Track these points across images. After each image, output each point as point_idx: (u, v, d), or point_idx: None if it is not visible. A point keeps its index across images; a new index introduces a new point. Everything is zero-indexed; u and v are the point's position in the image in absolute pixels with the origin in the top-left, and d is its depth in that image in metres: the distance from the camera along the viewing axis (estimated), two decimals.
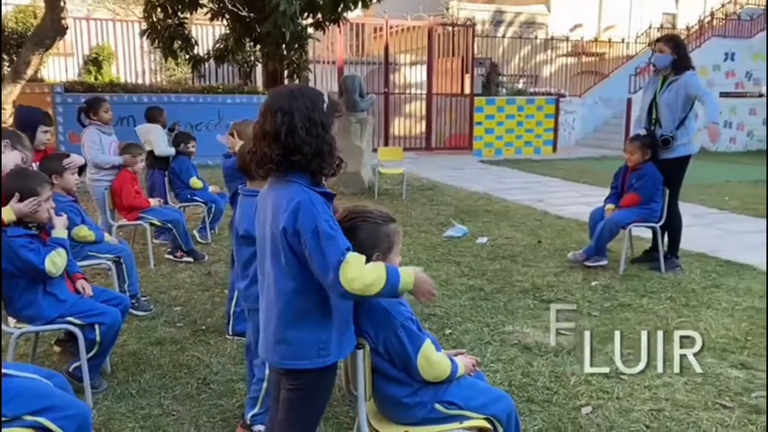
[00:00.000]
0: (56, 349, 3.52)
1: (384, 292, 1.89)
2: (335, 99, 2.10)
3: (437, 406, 2.14)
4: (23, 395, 2.17)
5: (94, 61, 14.20)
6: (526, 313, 4.48)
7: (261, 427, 2.89)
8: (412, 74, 16.67)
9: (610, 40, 19.98)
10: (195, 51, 9.45)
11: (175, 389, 3.37)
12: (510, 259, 5.85)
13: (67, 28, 8.70)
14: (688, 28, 18.29)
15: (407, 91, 16.24)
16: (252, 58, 14.20)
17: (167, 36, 9.03)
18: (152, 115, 6.66)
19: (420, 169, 12.00)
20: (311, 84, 14.90)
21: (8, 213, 3.01)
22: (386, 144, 14.77)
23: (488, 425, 2.18)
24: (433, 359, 2.11)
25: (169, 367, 3.62)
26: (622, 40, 19.67)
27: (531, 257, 5.92)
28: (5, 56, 13.17)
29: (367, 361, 2.07)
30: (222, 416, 3.10)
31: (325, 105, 2.00)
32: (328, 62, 15.23)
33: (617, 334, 4.03)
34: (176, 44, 9.09)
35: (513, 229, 7.13)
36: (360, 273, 1.85)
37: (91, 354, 3.18)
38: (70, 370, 3.24)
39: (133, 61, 14.64)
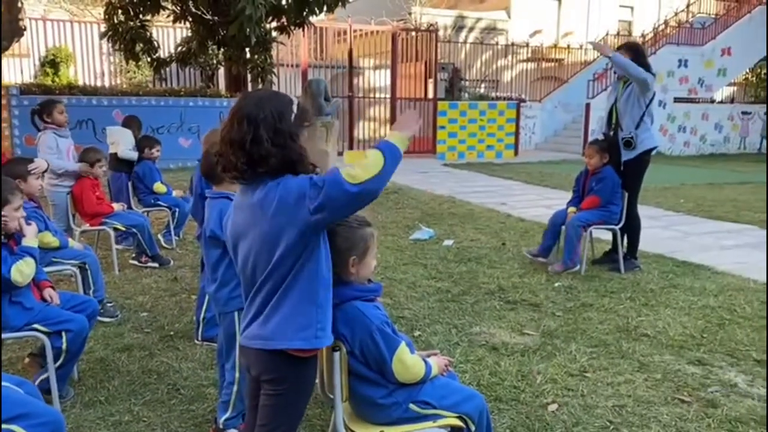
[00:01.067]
0: (26, 360, 3.45)
1: (388, 164, 1.92)
2: (305, 107, 2.11)
3: (412, 406, 2.19)
4: None
5: (51, 63, 13.88)
6: (492, 314, 4.57)
7: (234, 431, 2.91)
8: (375, 78, 16.76)
9: (568, 47, 20.43)
10: (157, 54, 9.32)
11: (144, 395, 3.34)
12: (476, 261, 5.96)
13: (24, 29, 8.52)
14: (643, 36, 18.82)
15: (371, 95, 16.31)
16: (214, 62, 14.07)
17: (129, 38, 8.90)
18: (129, 122, 6.63)
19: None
20: (275, 88, 14.85)
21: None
22: (351, 147, 14.80)
23: (461, 423, 2.24)
24: (408, 362, 2.16)
25: (138, 374, 3.59)
26: (580, 47, 20.13)
27: (496, 259, 6.03)
28: None
29: (343, 363, 2.11)
30: (194, 421, 3.09)
31: (293, 114, 1.99)
32: (292, 66, 15.20)
33: (581, 332, 4.20)
34: (138, 47, 8.96)
35: (477, 232, 7.25)
36: (358, 164, 1.88)
37: (58, 363, 3.13)
38: (37, 382, 3.18)
39: (92, 63, 14.35)
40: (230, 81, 13.83)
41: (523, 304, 4.79)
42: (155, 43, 9.27)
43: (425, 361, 2.25)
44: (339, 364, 2.10)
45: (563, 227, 5.68)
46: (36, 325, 3.11)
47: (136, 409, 3.20)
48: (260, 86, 13.49)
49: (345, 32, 15.66)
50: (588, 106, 16.91)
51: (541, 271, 5.59)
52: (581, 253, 5.56)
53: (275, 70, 10.78)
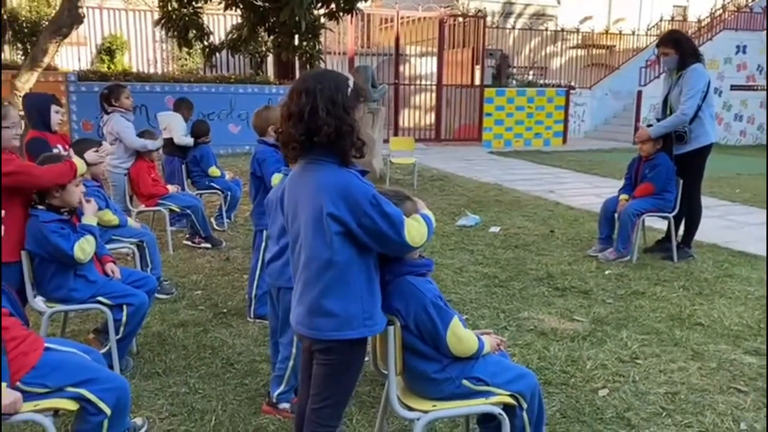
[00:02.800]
0: (90, 336, 3.60)
1: (429, 236, 2.12)
2: (360, 84, 2.16)
3: (465, 381, 2.21)
4: (65, 368, 2.26)
5: (107, 50, 14.25)
6: (541, 300, 4.54)
7: (286, 405, 2.98)
8: (421, 65, 16.68)
9: (620, 33, 19.91)
10: (210, 41, 9.46)
11: (200, 369, 3.45)
12: (523, 248, 5.91)
13: (83, 16, 8.76)
14: (699, 21, 18.20)
15: (417, 82, 16.25)
16: (264, 49, 14.20)
17: (182, 25, 9.03)
18: (181, 104, 6.73)
19: (430, 160, 12.03)
20: None
21: (80, 163, 3.24)
22: (395, 134, 14.80)
23: (513, 401, 2.25)
24: (462, 335, 2.18)
25: (194, 348, 3.71)
26: (633, 33, 19.60)
27: (544, 246, 5.98)
28: (19, 45, 13.26)
29: (397, 338, 2.14)
30: (247, 395, 3.18)
31: (349, 89, 2.07)
32: (339, 53, 15.25)
33: (632, 320, 4.14)
34: (191, 33, 9.09)
35: (525, 219, 7.18)
36: (417, 229, 2.04)
37: (119, 335, 3.25)
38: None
39: (146, 50, 14.69)
40: (279, 68, 14.00)
41: (573, 291, 4.74)
42: (207, 29, 9.40)
43: (478, 338, 2.26)
44: (393, 338, 2.13)
45: (615, 215, 5.59)
46: (100, 298, 3.24)
47: (192, 381, 3.31)
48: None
49: (392, 19, 15.62)
50: (639, 93, 16.47)
51: (591, 259, 5.52)
52: (634, 242, 5.45)
53: (323, 57, 10.81)
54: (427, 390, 2.24)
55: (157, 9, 9.72)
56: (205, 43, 9.30)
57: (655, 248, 5.78)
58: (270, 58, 15.03)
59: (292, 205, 2.10)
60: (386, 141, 10.09)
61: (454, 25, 16.22)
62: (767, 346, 3.76)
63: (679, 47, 5.33)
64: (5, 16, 8.92)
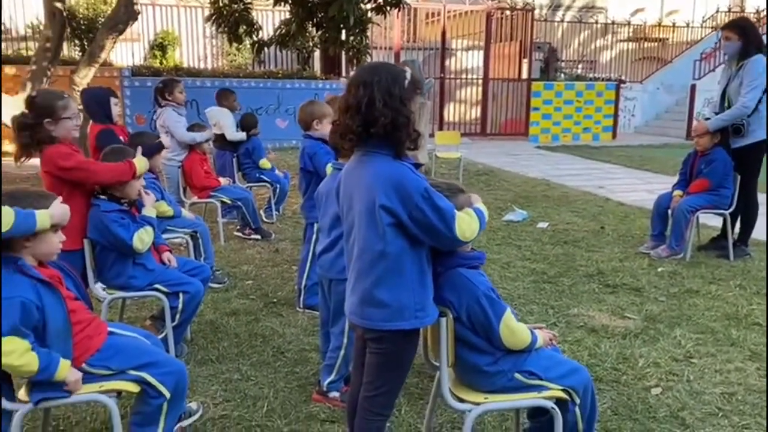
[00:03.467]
0: (147, 323, 3.72)
1: (481, 231, 2.14)
2: (417, 77, 2.18)
3: (517, 375, 2.21)
4: (128, 351, 2.35)
5: (160, 46, 14.64)
6: (591, 297, 4.48)
7: (336, 394, 3.03)
8: (467, 59, 16.56)
9: (674, 25, 19.34)
10: (259, 36, 9.61)
11: (251, 357, 3.53)
12: (572, 244, 5.83)
13: (138, 13, 9.01)
14: (757, 11, 17.55)
15: (463, 77, 16.14)
16: (311, 44, 14.34)
17: (232, 21, 9.21)
18: (222, 97, 6.81)
19: (475, 155, 11.96)
20: None
21: (141, 162, 3.33)
22: (440, 129, 14.75)
23: (565, 396, 2.24)
24: (515, 328, 2.18)
25: (245, 336, 3.79)
26: (687, 25, 19.02)
27: (594, 243, 5.88)
28: (77, 41, 13.69)
29: (450, 329, 2.15)
30: (298, 383, 3.24)
31: (406, 81, 2.08)
32: (385, 48, 15.27)
33: (686, 318, 4.05)
34: (241, 29, 9.26)
35: (574, 215, 7.08)
36: (468, 224, 2.06)
37: (174, 322, 3.35)
38: None
39: (196, 46, 15.02)
40: (325, 63, 14.09)
41: (624, 288, 4.66)
42: (257, 25, 9.55)
43: (531, 331, 2.25)
44: (446, 329, 2.14)
45: (669, 211, 5.46)
46: (157, 286, 3.34)
47: (245, 368, 3.39)
48: (351, 68, 13.67)
49: (438, 13, 15.55)
50: (693, 87, 16.00)
51: (642, 256, 5.41)
52: (687, 239, 5.32)
53: (370, 52, 10.85)
54: (479, 382, 2.24)
55: (208, 5, 9.92)
56: (255, 38, 9.46)
57: (710, 246, 5.62)
58: (317, 54, 15.14)
59: (347, 197, 2.13)
60: (431, 135, 10.06)
61: (502, 18, 16.04)
62: (767, 347, 3.64)
63: (744, 35, 5.15)
64: (65, 14, 9.22)
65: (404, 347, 2.11)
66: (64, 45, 13.63)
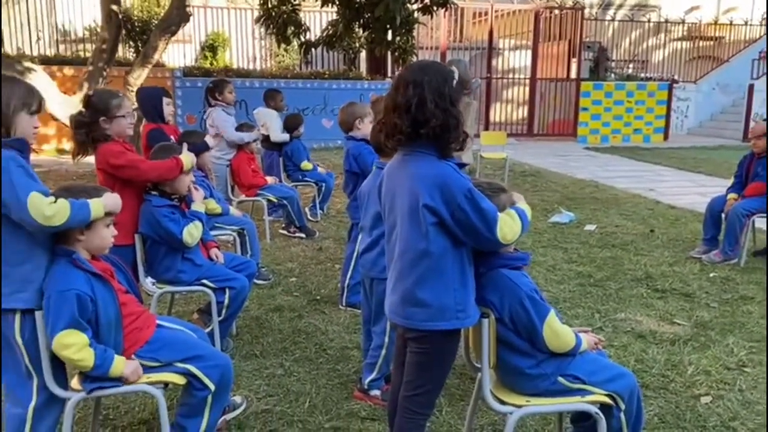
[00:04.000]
0: (195, 316, 3.81)
1: (523, 233, 2.13)
2: (465, 76, 2.17)
3: (560, 379, 2.17)
4: (175, 344, 2.41)
5: (210, 47, 14.96)
6: (639, 302, 4.38)
7: (377, 392, 3.04)
8: (515, 59, 16.39)
9: (731, 23, 18.70)
10: (306, 37, 9.74)
11: (295, 353, 3.58)
12: (620, 248, 5.70)
13: (190, 15, 9.24)
14: None
15: (510, 76, 15.97)
16: (357, 44, 14.44)
17: (281, 22, 9.37)
18: (269, 97, 6.91)
19: (521, 155, 11.82)
20: None
21: (188, 158, 3.40)
22: (486, 129, 14.63)
23: (610, 401, 2.19)
24: (559, 330, 2.14)
25: (289, 332, 3.84)
26: (745, 23, 18.36)
27: (643, 246, 5.74)
28: (132, 43, 14.10)
29: (492, 330, 2.13)
30: (339, 380, 3.26)
31: (455, 81, 2.07)
32: (431, 48, 15.24)
33: (739, 326, 3.91)
34: (289, 30, 9.42)
35: (623, 218, 6.92)
36: (510, 226, 2.04)
37: (221, 317, 3.42)
38: None
39: (246, 47, 15.28)
40: (371, 64, 14.16)
41: (674, 293, 4.53)
42: (305, 26, 9.69)
43: (575, 334, 2.22)
44: (487, 330, 2.12)
45: (722, 215, 5.29)
46: (204, 281, 3.41)
47: (287, 364, 3.43)
48: (397, 68, 13.68)
49: (486, 12, 15.44)
50: (751, 87, 15.44)
51: (694, 261, 5.25)
52: (742, 244, 5.14)
53: (416, 52, 10.88)
54: (521, 385, 2.22)
55: (258, 7, 10.10)
56: (302, 39, 9.61)
57: (766, 251, 5.42)
58: (363, 54, 15.23)
59: (390, 196, 2.14)
60: (477, 135, 9.98)
61: (551, 17, 15.81)
62: (767, 348, 3.50)
63: None
64: (120, 16, 9.52)
65: (445, 347, 2.11)
66: (120, 47, 14.09)
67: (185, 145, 3.58)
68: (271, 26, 9.53)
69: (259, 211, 6.21)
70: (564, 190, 8.57)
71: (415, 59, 11.64)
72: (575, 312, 4.18)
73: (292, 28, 9.40)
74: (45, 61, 12.44)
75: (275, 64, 15.60)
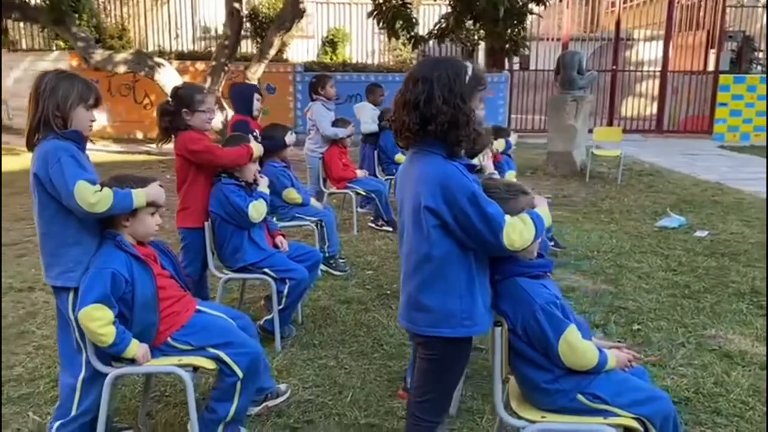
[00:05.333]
0: (262, 302, 3.97)
1: (536, 239, 1.98)
2: (480, 72, 2.04)
3: (580, 396, 2.02)
4: (210, 330, 2.51)
5: (330, 43, 15.40)
6: (735, 318, 3.97)
7: None
8: (646, 50, 15.37)
9: None
10: (415, 31, 9.74)
11: (352, 345, 3.61)
12: (730, 257, 5.19)
13: (304, 11, 9.57)
14: None
15: (640, 69, 15.01)
16: (476, 37, 14.23)
17: (390, 16, 9.44)
18: (369, 91, 6.99)
19: (644, 153, 11.10)
20: (532, 62, 14.54)
21: (256, 147, 3.61)
22: (610, 124, 13.88)
23: (638, 426, 2.00)
24: (577, 346, 1.98)
25: (351, 324, 3.89)
26: None
27: (756, 257, 5.19)
28: (259, 39, 14.83)
29: (504, 340, 2.03)
30: (388, 377, 3.25)
31: (467, 77, 1.97)
32: (553, 39, 14.68)
33: None
34: (398, 24, 9.47)
35: (742, 224, 6.30)
36: (519, 232, 1.91)
37: (280, 306, 3.53)
38: (262, 323, 3.64)
39: (365, 42, 15.57)
40: (490, 56, 13.90)
41: None
42: (414, 20, 9.69)
43: (600, 350, 2.04)
44: (499, 340, 2.02)
45: None
46: (266, 270, 3.54)
47: (342, 356, 3.47)
48: (514, 60, 13.32)
49: (614, 3, 14.60)
50: None
51: None
52: None
53: (534, 44, 10.54)
54: (537, 399, 2.09)
55: (370, 1, 10.24)
56: (411, 33, 9.61)
57: None
58: (482, 46, 14.98)
59: (400, 196, 2.09)
60: (590, 131, 9.50)
61: (687, 5, 14.65)
62: (767, 346, 3.20)
63: None
64: (242, 13, 10.06)
65: (451, 355, 2.03)
66: (248, 43, 14.89)
67: (250, 136, 3.74)
68: (381, 21, 9.62)
69: (350, 203, 6.32)
70: (682, 192, 7.94)
71: (527, 51, 11.30)
72: (657, 324, 3.87)
73: (401, 22, 9.43)
74: (180, 56, 13.48)
75: (393, 58, 15.75)
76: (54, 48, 13.54)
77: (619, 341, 3.62)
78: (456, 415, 2.88)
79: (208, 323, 2.55)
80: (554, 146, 9.17)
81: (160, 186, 2.53)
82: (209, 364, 2.45)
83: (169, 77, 9.63)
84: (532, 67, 14.78)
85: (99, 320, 2.24)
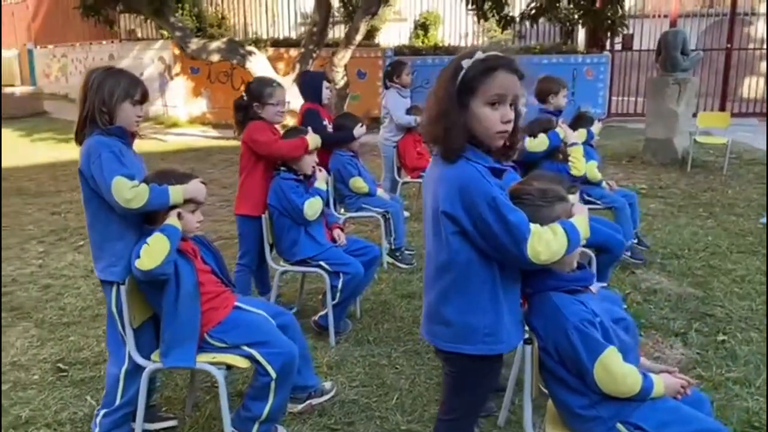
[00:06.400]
0: (321, 297, 3.94)
1: (568, 253, 1.79)
2: (487, 63, 1.76)
3: (619, 426, 1.81)
4: (246, 327, 2.49)
5: (422, 26, 15.18)
6: None
7: None
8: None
9: None
10: (504, 11, 9.38)
11: (407, 344, 3.51)
12: None
13: None
14: None
15: (759, 47, 13.72)
16: (576, 17, 13.54)
17: None
18: (393, 64, 6.63)
19: (758, 140, 10.12)
20: (636, 41, 13.63)
21: (314, 140, 3.62)
22: (722, 108, 12.80)
23: None
24: (616, 371, 1.77)
25: (409, 321, 3.78)
26: None
27: None
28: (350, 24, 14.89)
29: (535, 359, 1.85)
30: (437, 379, 3.12)
31: (463, 75, 1.75)
32: (659, 16, 13.70)
33: None
34: (486, 5, 9.15)
35: None
36: (546, 244, 1.72)
37: (335, 301, 3.48)
38: (317, 318, 3.62)
39: (458, 24, 15.22)
40: (590, 36, 13.18)
41: None
42: (504, 1, 9.32)
43: (644, 375, 1.82)
44: (530, 358, 1.85)
45: None
46: (322, 263, 3.50)
47: (395, 355, 3.39)
48: (616, 40, 12.55)
49: None
50: None
51: None
52: None
53: (626, 23, 9.87)
54: (573, 424, 1.89)
55: None
56: (500, 14, 9.26)
57: None
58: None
59: (425, 197, 1.95)
60: (694, 115, 8.77)
61: None
62: (767, 344, 3.03)
63: None
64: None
65: (474, 373, 1.87)
66: (341, 29, 14.95)
67: (309, 129, 3.71)
68: (470, 2, 9.33)
69: None
70: None
71: (626, 30, 10.60)
72: (747, 336, 3.49)
73: (490, 2, 9.10)
74: (275, 44, 13.75)
75: (487, 41, 15.32)
76: (160, 38, 14.21)
77: (698, 353, 3.31)
78: (504, 425, 2.72)
79: (244, 321, 2.53)
80: (653, 132, 8.55)
81: (202, 183, 2.53)
82: (243, 363, 2.43)
83: (259, 66, 9.84)
84: (636, 46, 13.88)
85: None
